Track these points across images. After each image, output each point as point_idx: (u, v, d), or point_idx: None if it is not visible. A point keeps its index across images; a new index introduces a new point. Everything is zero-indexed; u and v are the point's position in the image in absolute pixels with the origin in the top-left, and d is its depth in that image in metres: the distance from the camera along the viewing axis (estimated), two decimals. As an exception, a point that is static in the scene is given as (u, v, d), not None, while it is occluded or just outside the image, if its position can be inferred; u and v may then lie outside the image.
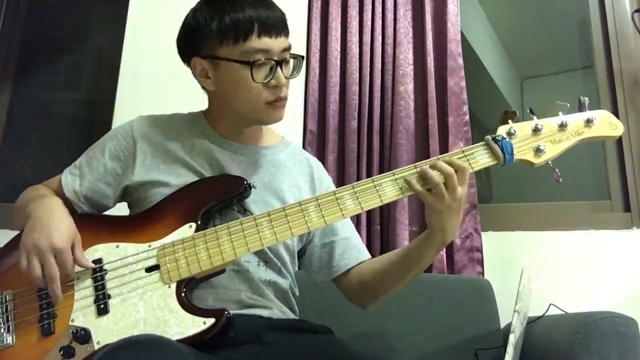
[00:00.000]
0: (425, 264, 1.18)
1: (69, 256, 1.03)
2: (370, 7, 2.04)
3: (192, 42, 1.20)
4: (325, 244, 1.30)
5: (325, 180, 1.36)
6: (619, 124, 1.13)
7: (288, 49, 1.18)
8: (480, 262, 1.84)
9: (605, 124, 1.13)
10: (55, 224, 1.05)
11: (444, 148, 1.91)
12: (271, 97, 1.17)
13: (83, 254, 1.07)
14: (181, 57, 1.25)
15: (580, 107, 1.13)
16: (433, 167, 1.06)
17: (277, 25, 1.15)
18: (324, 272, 1.29)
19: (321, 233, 1.30)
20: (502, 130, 1.12)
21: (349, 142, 1.95)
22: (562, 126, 1.11)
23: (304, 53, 2.09)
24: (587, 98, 1.13)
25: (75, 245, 1.06)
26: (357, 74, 2.00)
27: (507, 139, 1.10)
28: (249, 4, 1.14)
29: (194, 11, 1.21)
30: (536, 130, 1.11)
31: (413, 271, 1.19)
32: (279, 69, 1.15)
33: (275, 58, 1.15)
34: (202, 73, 1.20)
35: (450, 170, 1.05)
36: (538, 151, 1.10)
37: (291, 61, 1.20)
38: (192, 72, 1.23)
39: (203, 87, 1.26)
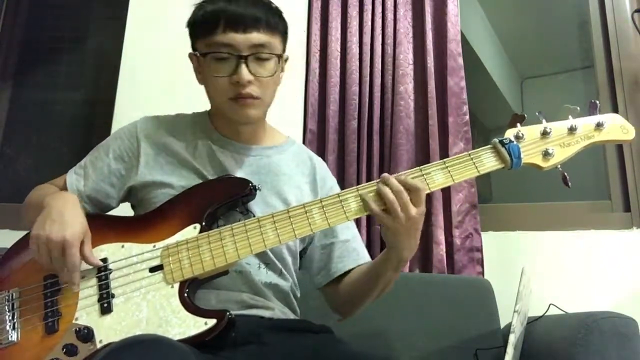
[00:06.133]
0: (387, 281, 1.18)
1: (77, 252, 1.04)
2: (370, 7, 2.04)
3: (190, 38, 1.24)
4: (325, 245, 1.30)
5: (329, 181, 1.35)
6: (631, 128, 1.11)
7: (262, 45, 1.15)
8: (480, 262, 1.84)
9: (617, 128, 1.12)
10: (70, 219, 1.06)
11: (444, 148, 1.92)
12: (231, 93, 1.16)
13: (92, 251, 1.08)
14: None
15: (591, 111, 1.12)
16: (385, 183, 1.05)
17: (247, 21, 1.13)
18: (324, 273, 1.30)
19: (321, 234, 1.31)
20: (509, 134, 1.10)
21: (349, 142, 1.95)
22: (572, 130, 1.10)
23: (304, 53, 2.09)
24: (598, 102, 1.12)
25: (85, 242, 1.07)
26: (357, 74, 2.00)
27: (515, 142, 1.09)
28: None
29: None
30: (545, 134, 1.10)
31: (377, 286, 1.19)
32: (242, 65, 1.13)
33: (243, 53, 1.13)
34: (195, 69, 1.24)
35: (399, 187, 1.03)
36: (546, 155, 1.09)
37: (270, 60, 1.17)
38: None
39: None
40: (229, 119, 1.22)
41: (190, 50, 1.26)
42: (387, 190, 1.04)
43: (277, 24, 1.18)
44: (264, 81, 1.16)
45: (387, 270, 1.15)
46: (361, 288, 1.23)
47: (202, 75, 1.21)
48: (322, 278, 1.30)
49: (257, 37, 1.14)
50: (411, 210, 1.03)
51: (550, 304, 1.45)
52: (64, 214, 1.07)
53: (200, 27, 1.16)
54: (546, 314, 1.44)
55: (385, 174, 1.06)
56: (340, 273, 1.28)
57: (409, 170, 1.09)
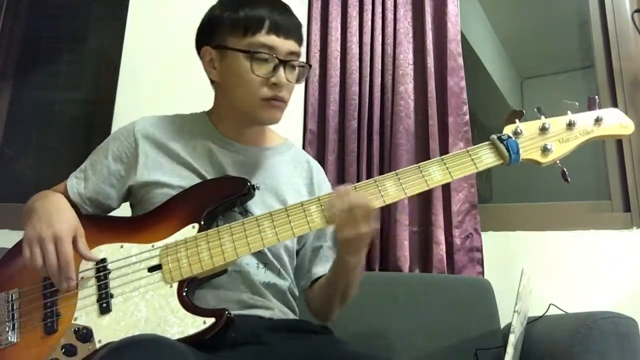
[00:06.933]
0: (346, 282, 1.19)
1: (69, 245, 1.05)
2: (370, 7, 2.04)
3: (205, 32, 1.23)
4: (314, 248, 1.31)
5: (324, 186, 1.36)
6: (630, 123, 1.11)
7: (296, 53, 1.20)
8: (480, 262, 1.84)
9: (615, 123, 1.12)
10: (58, 215, 1.08)
11: (444, 148, 1.91)
12: (268, 94, 1.17)
13: (87, 247, 1.09)
14: (196, 48, 1.27)
15: (590, 106, 1.12)
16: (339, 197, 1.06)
17: (288, 28, 1.18)
18: (309, 275, 1.30)
19: (314, 237, 1.32)
20: (508, 130, 1.11)
21: (349, 142, 1.95)
22: (570, 125, 1.10)
23: (303, 53, 2.09)
24: (597, 97, 1.12)
25: (77, 238, 1.08)
26: (357, 74, 2.00)
27: (513, 138, 1.09)
28: (266, 4, 1.18)
29: (213, 5, 1.24)
30: (543, 129, 1.10)
31: (337, 288, 1.20)
32: (281, 68, 1.16)
33: (280, 57, 1.16)
34: (210, 63, 1.22)
35: (345, 206, 1.04)
36: (545, 150, 1.09)
37: (297, 68, 1.21)
38: (202, 63, 1.25)
39: (211, 81, 1.28)
40: (251, 118, 1.22)
41: (192, 47, 1.25)
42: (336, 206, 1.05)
43: (302, 37, 1.24)
44: (290, 87, 1.21)
45: (340, 273, 1.18)
46: (326, 291, 1.24)
47: (221, 71, 1.21)
48: (305, 281, 1.31)
49: (293, 45, 1.19)
50: (360, 228, 1.04)
51: (550, 304, 1.45)
52: (51, 213, 1.08)
53: (241, 25, 1.16)
54: (546, 314, 1.44)
55: (341, 188, 1.07)
56: (316, 277, 1.29)
57: (408, 167, 1.09)
